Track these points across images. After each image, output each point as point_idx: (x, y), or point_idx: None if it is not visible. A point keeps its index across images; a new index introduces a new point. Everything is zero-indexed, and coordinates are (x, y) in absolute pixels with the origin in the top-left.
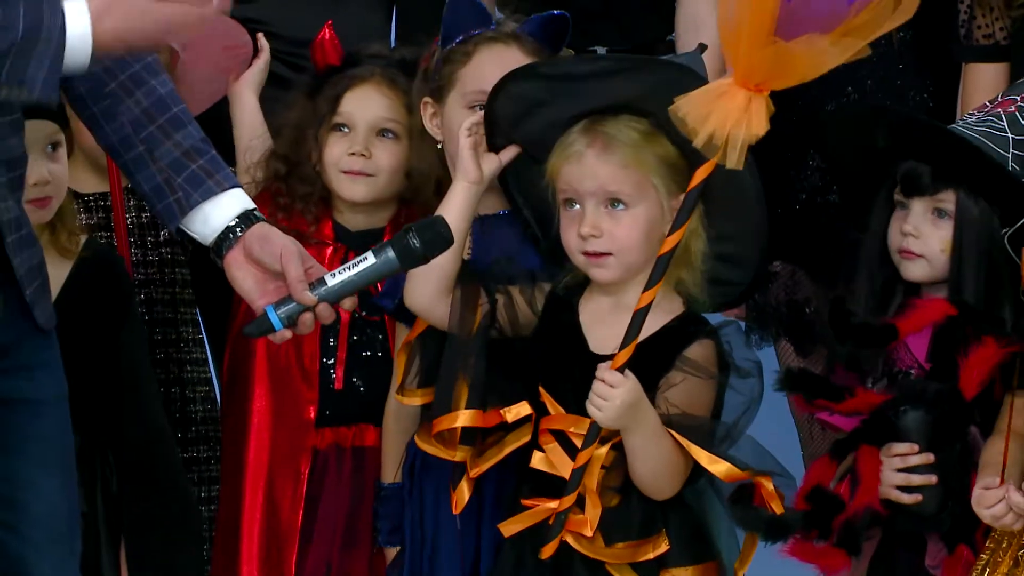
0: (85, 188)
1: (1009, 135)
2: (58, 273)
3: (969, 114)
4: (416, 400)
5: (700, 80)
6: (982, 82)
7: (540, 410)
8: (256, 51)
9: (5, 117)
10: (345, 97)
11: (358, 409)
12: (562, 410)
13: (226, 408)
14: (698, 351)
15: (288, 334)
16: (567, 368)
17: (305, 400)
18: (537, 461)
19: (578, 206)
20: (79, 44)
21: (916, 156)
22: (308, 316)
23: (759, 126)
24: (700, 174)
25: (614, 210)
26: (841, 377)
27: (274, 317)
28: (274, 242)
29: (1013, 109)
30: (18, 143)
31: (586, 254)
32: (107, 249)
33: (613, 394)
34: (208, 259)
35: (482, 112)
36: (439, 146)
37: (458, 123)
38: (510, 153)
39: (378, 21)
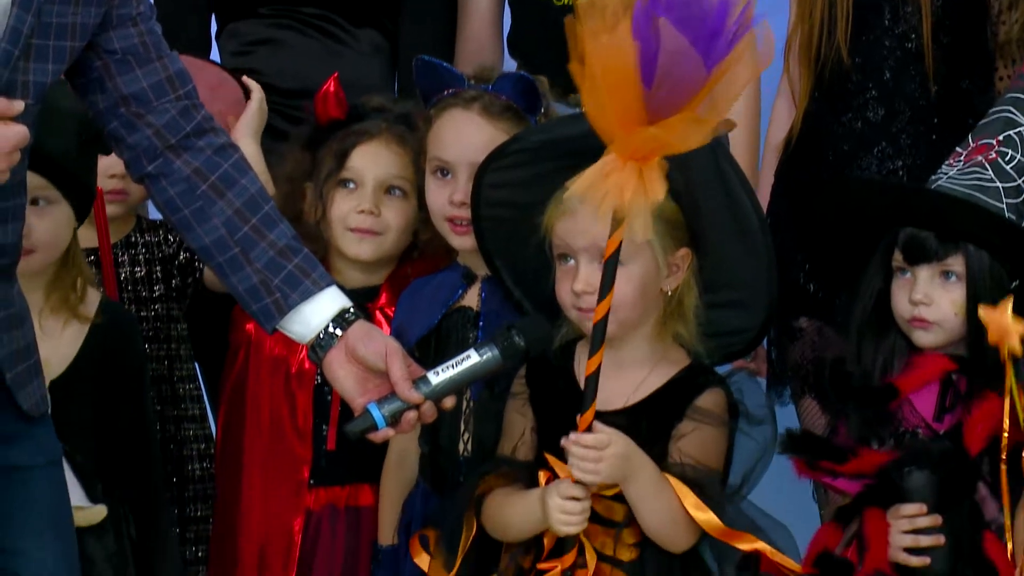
0: None
1: (998, 184)
2: (74, 336)
3: (947, 164)
4: None
5: None
6: None
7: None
8: (247, 96)
9: None
10: (353, 153)
11: (353, 469)
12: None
13: (220, 466)
14: (709, 400)
15: (391, 432)
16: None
17: (299, 459)
18: None
19: (572, 261)
20: None
21: (912, 222)
22: (412, 414)
23: (656, 191)
24: (610, 246)
25: None
26: (844, 438)
27: (377, 415)
28: (377, 340)
29: (994, 155)
30: None
31: (579, 309)
32: (121, 313)
33: (600, 454)
34: (207, 312)
35: None
36: None
37: (429, 188)
38: None
39: (377, 71)
